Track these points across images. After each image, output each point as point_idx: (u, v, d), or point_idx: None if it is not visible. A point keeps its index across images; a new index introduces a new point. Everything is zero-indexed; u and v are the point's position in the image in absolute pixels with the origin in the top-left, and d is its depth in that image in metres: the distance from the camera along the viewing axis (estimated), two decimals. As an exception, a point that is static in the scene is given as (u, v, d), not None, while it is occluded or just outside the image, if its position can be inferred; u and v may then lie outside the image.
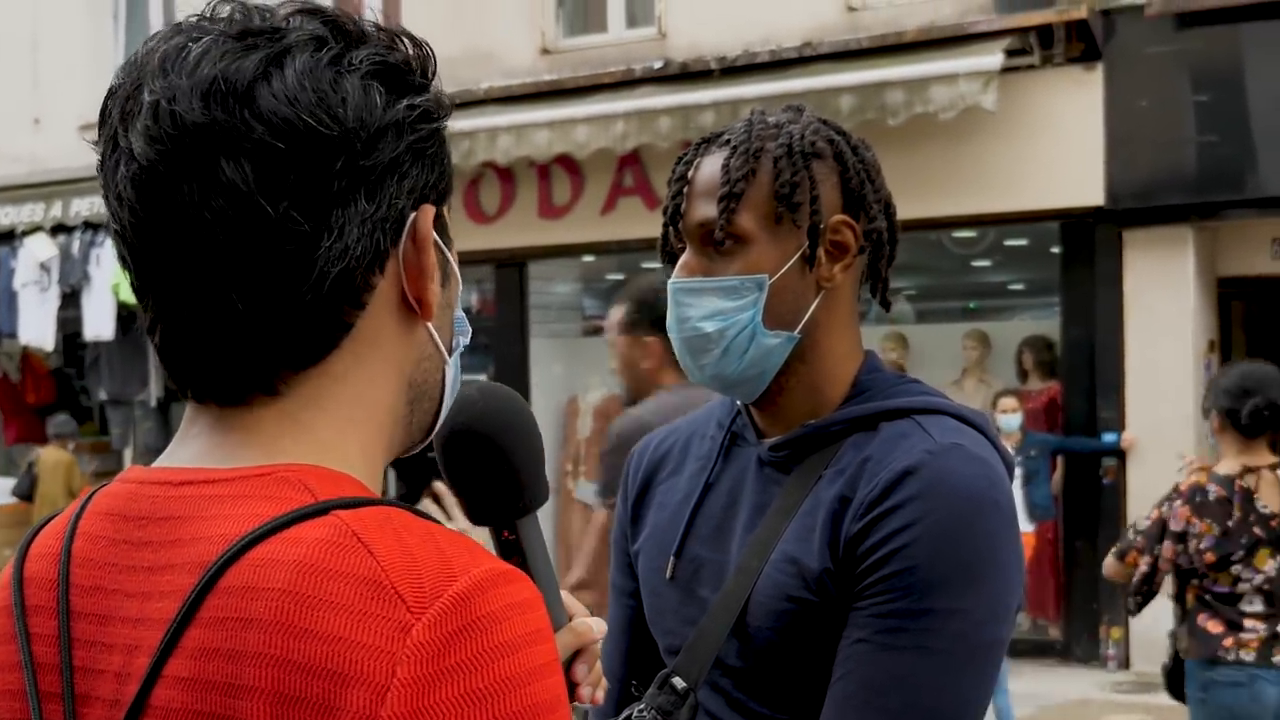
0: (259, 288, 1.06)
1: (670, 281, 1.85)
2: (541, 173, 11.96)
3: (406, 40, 1.15)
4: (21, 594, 1.14)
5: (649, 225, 11.84)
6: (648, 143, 10.80)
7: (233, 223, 1.04)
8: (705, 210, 1.81)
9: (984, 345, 10.95)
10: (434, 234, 1.15)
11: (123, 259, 1.11)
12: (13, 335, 14.58)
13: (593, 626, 1.51)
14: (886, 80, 9.82)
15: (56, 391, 16.20)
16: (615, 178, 11.62)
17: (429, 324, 1.16)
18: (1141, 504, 9.74)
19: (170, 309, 1.09)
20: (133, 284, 1.12)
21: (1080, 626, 10.05)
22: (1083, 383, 10.19)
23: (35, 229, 14.30)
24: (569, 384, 12.85)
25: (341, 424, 1.11)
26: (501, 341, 12.63)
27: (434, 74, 1.16)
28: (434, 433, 1.23)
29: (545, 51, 12.05)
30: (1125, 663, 9.99)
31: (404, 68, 1.12)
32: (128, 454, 14.87)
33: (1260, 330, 10.90)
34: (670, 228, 1.87)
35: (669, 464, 1.99)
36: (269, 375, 1.09)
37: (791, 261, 1.78)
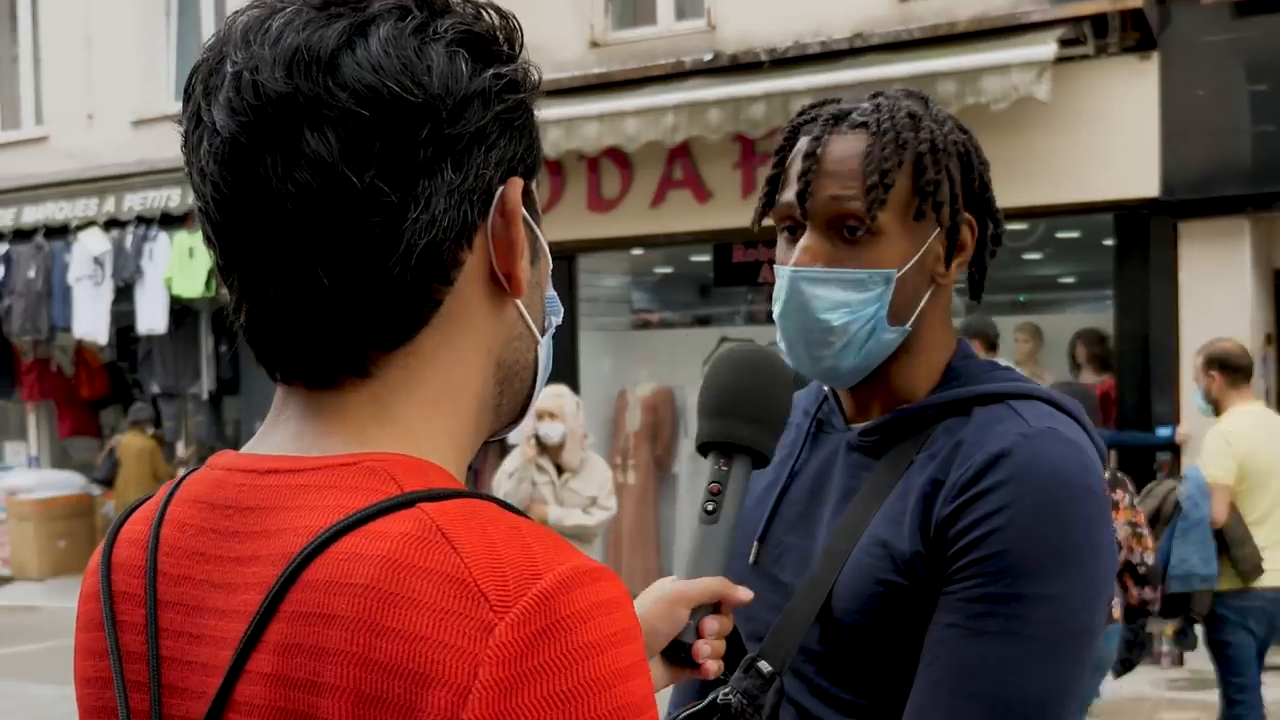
0: (345, 262, 1.04)
1: (790, 267, 1.79)
2: (591, 165, 11.96)
3: (493, 11, 1.13)
4: (109, 580, 1.14)
5: (698, 218, 11.86)
6: (697, 135, 10.77)
7: (317, 195, 1.02)
8: (841, 195, 1.75)
9: (1036, 338, 10.86)
10: (522, 208, 1.12)
11: (207, 238, 1.10)
12: (66, 329, 14.72)
13: (741, 591, 1.62)
14: (938, 71, 9.75)
15: (110, 385, 16.34)
16: (665, 170, 11.60)
17: (518, 302, 1.14)
18: (1197, 499, 9.65)
19: (255, 287, 1.07)
20: (217, 263, 1.10)
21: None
22: (1136, 376, 10.10)
23: (89, 224, 14.43)
24: (618, 377, 12.85)
25: (429, 408, 1.09)
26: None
27: (521, 46, 1.14)
28: (524, 416, 1.21)
29: (594, 44, 12.04)
30: (1180, 660, 9.89)
31: (489, 37, 1.10)
32: (180, 447, 14.98)
33: (1318, 323, 10.76)
34: (798, 202, 1.79)
35: None
36: (358, 355, 1.07)
37: (917, 257, 1.77)
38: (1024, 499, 1.61)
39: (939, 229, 1.78)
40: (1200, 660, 9.65)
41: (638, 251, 12.95)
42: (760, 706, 1.72)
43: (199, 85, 1.07)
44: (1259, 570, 6.61)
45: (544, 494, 7.42)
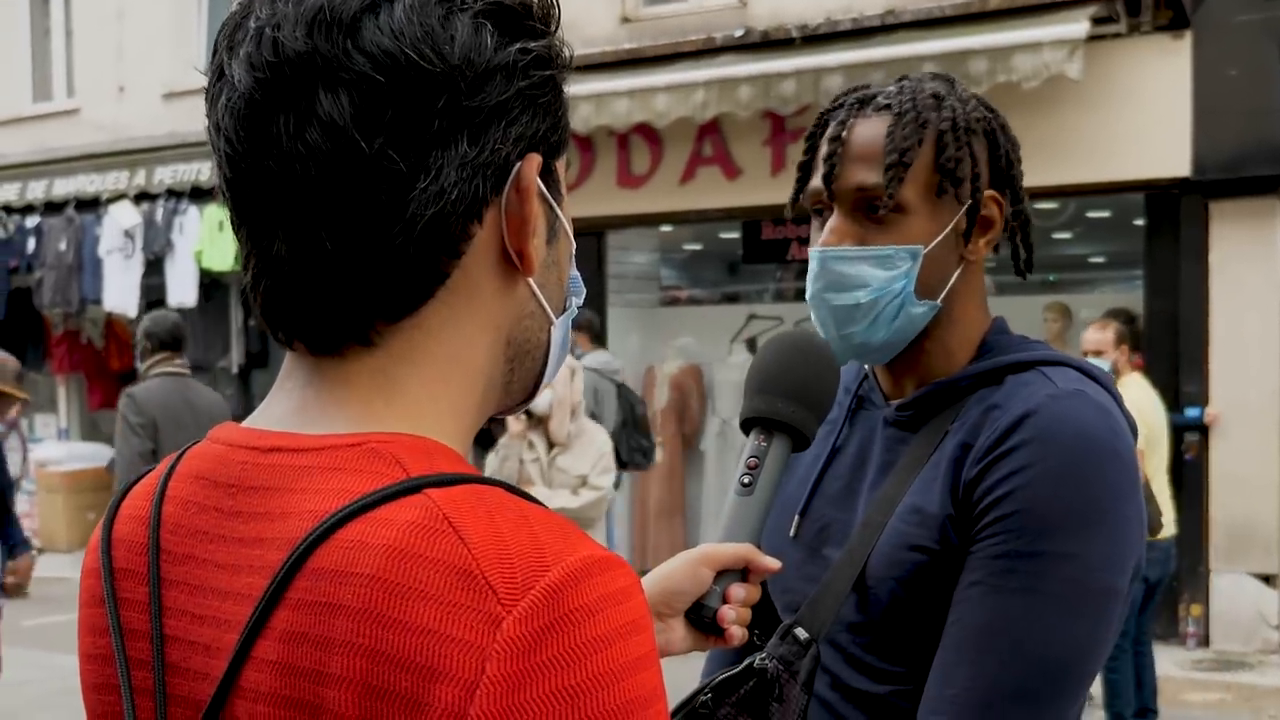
0: (350, 227, 1.03)
1: (818, 248, 1.84)
2: (621, 142, 11.95)
3: None
4: (110, 557, 1.14)
5: (728, 195, 11.84)
6: (728, 112, 10.75)
7: (326, 158, 1.01)
8: (864, 175, 1.80)
9: (1065, 317, 10.82)
10: (542, 187, 1.11)
11: (221, 192, 1.10)
12: (97, 302, 14.79)
13: (768, 560, 1.63)
14: (969, 49, 9.71)
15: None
16: (694, 147, 11.59)
17: (531, 280, 1.12)
18: (1225, 480, 9.65)
19: (262, 244, 1.07)
20: (231, 219, 1.10)
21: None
22: (1167, 357, 10.05)
23: (120, 197, 14.49)
24: (646, 354, 12.86)
25: (434, 383, 1.08)
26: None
27: (556, 22, 1.13)
28: (535, 395, 1.21)
29: (625, 20, 12.02)
30: (1205, 640, 9.89)
31: (520, 10, 1.08)
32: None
33: (1349, 304, 10.69)
34: (824, 185, 1.84)
35: None
36: (363, 323, 1.06)
37: (944, 234, 1.80)
38: (1048, 458, 1.63)
39: (963, 205, 1.80)
40: (1225, 641, 9.65)
41: (667, 228, 12.95)
42: (796, 673, 1.74)
43: (224, 40, 1.07)
44: (1160, 525, 7.26)
45: (530, 473, 6.98)
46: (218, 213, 13.80)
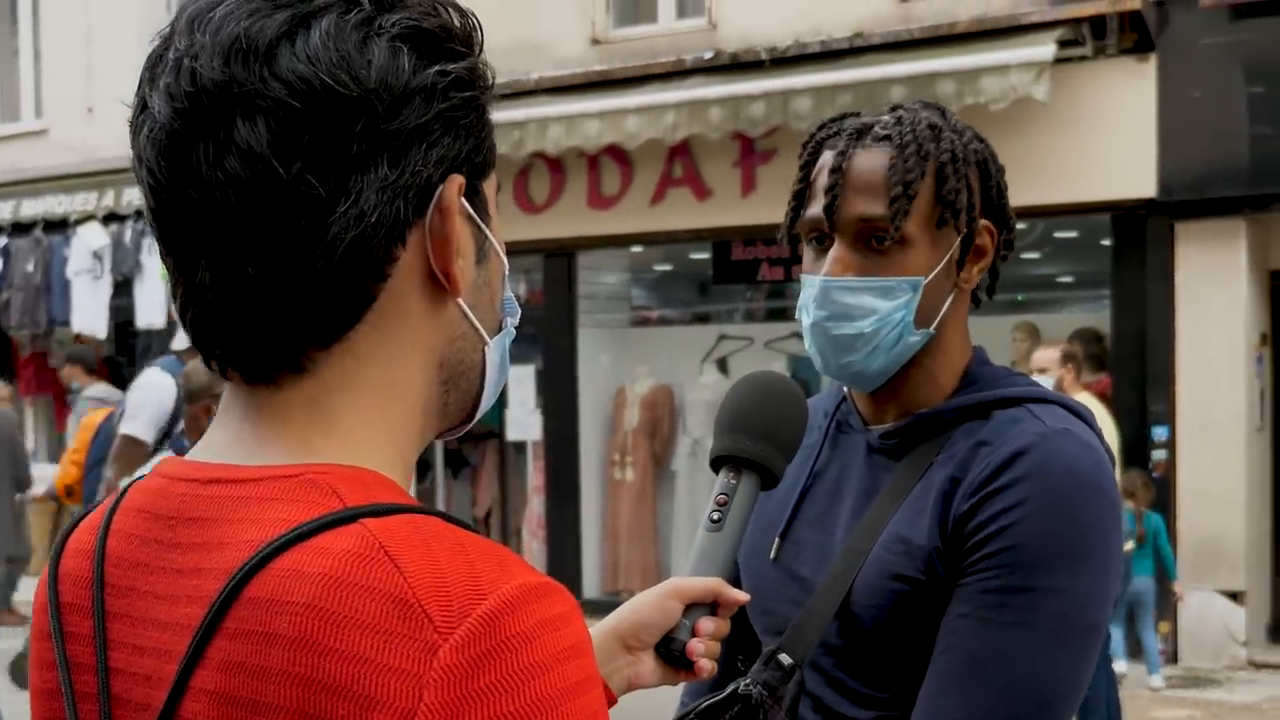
0: (271, 254, 1.03)
1: (821, 277, 1.84)
2: (591, 163, 11.97)
3: (449, 8, 1.11)
4: (56, 592, 1.14)
5: (698, 216, 11.88)
6: (698, 133, 10.80)
7: (245, 185, 1.01)
8: (867, 207, 1.81)
9: (1033, 337, 10.86)
10: (469, 208, 1.11)
11: (149, 223, 1.10)
12: (65, 323, 14.72)
13: (737, 593, 1.64)
14: (937, 71, 9.79)
15: (108, 379, 16.34)
16: (665, 168, 11.62)
17: (460, 301, 1.12)
18: (1192, 498, 9.71)
19: (188, 273, 1.07)
20: (160, 249, 1.10)
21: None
22: (1133, 376, 10.12)
23: (88, 218, 14.44)
24: (616, 374, 12.85)
25: (369, 409, 1.09)
26: (550, 332, 12.65)
27: (479, 44, 1.13)
28: (476, 418, 1.21)
29: (596, 42, 12.05)
30: (1174, 657, 9.94)
31: (440, 34, 1.08)
32: (179, 441, 14.97)
33: (1314, 324, 10.80)
34: (825, 215, 1.84)
35: None
36: (293, 350, 1.06)
37: (943, 264, 1.83)
38: (1040, 495, 1.66)
39: (960, 235, 1.84)
40: (1194, 658, 9.70)
41: (637, 249, 12.96)
42: (780, 698, 1.75)
43: (147, 72, 1.08)
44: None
45: None
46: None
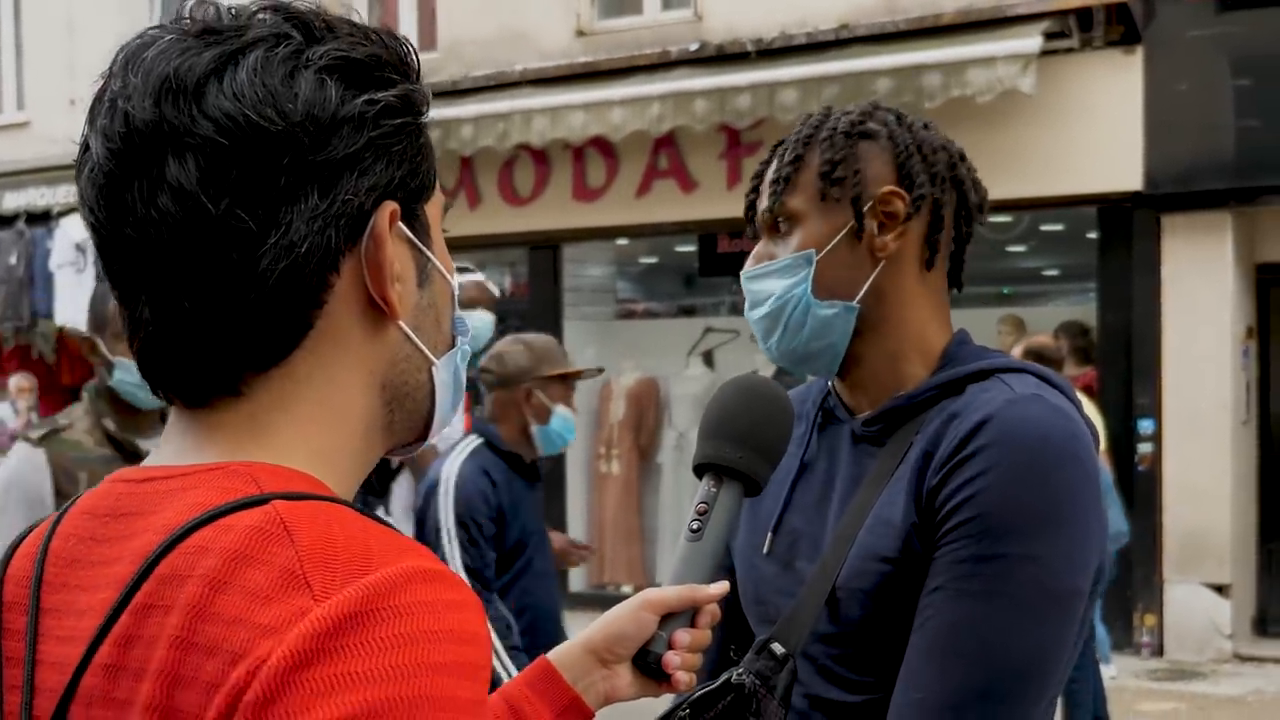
0: (205, 288, 1.06)
1: (742, 272, 1.93)
2: (576, 155, 11.94)
3: (382, 36, 1.14)
4: (1, 592, 1.17)
5: (683, 208, 11.86)
6: (683, 125, 10.78)
7: (177, 222, 1.04)
8: (766, 200, 1.91)
9: (1019, 330, 10.86)
10: (407, 232, 1.14)
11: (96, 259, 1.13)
12: (49, 316, 14.66)
13: (710, 588, 1.61)
14: (923, 63, 9.77)
15: (92, 372, 16.28)
16: (650, 160, 11.60)
17: (401, 324, 1.15)
18: (1178, 491, 9.71)
19: (131, 308, 1.10)
20: (109, 284, 1.14)
21: (1114, 613, 10.00)
22: (1119, 369, 10.13)
23: (71, 210, 14.36)
24: (602, 367, 12.81)
25: (305, 425, 1.11)
26: (535, 324, 12.58)
27: (414, 70, 1.16)
28: (432, 436, 1.23)
29: (581, 33, 12.01)
30: (1159, 650, 9.95)
31: (370, 62, 1.11)
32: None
33: (1299, 317, 10.80)
34: (746, 216, 1.97)
35: None
36: (231, 376, 1.10)
37: (841, 235, 1.84)
38: (1006, 461, 1.64)
39: (866, 206, 1.84)
40: (1179, 651, 9.71)
41: (623, 241, 12.94)
42: (773, 688, 1.74)
43: (90, 113, 1.11)
44: None
45: None
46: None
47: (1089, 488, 1.67)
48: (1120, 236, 10.15)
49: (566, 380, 4.70)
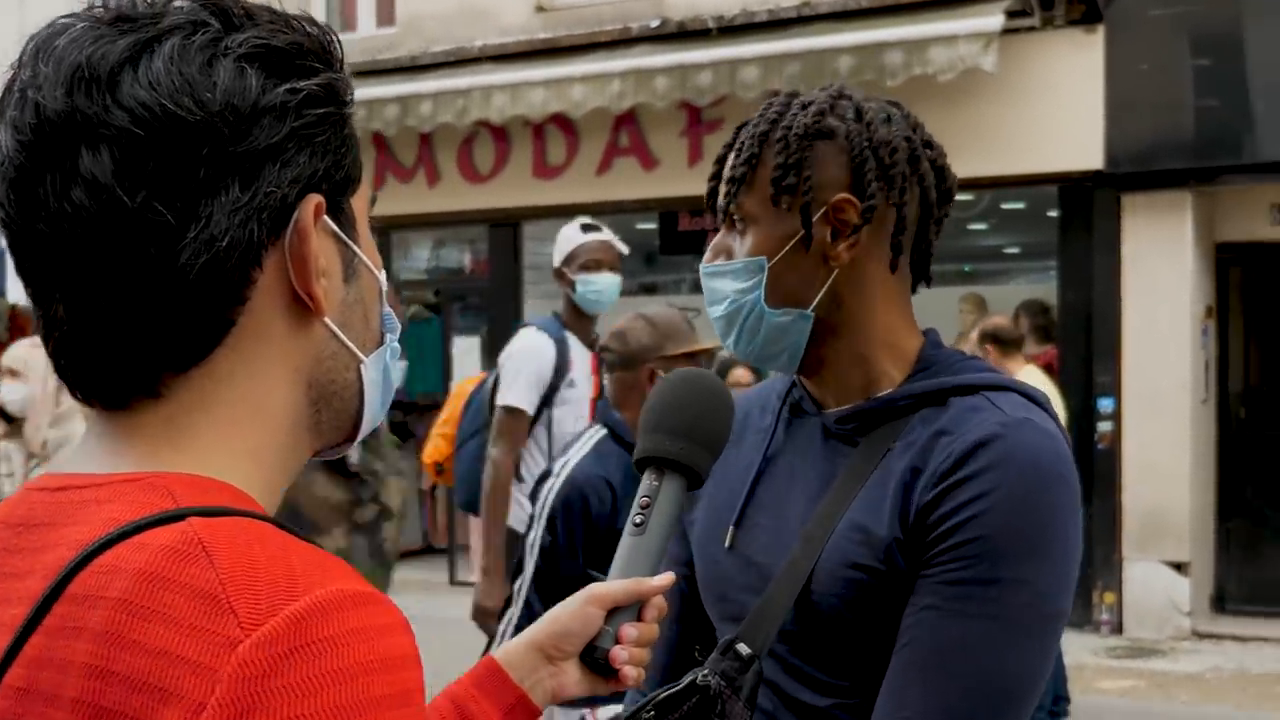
0: (122, 284, 1.02)
1: (701, 265, 1.91)
2: (536, 132, 11.89)
3: (304, 23, 1.10)
4: None
5: (644, 186, 11.82)
6: (644, 103, 10.74)
7: (92, 216, 1.00)
8: (722, 197, 1.87)
9: (980, 309, 10.88)
10: (332, 226, 1.11)
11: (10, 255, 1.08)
12: (1, 294, 14.51)
13: (654, 581, 1.59)
14: (885, 41, 9.76)
15: (47, 350, 16.15)
16: (611, 138, 11.56)
17: (328, 321, 1.11)
18: (1137, 470, 9.76)
19: (45, 305, 1.06)
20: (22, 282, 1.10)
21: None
22: (1079, 347, 10.16)
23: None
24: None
25: (226, 428, 1.08)
26: (494, 302, 12.58)
27: (338, 59, 1.12)
28: (359, 435, 1.19)
29: (540, 9, 11.95)
30: (1118, 628, 10.00)
31: (292, 50, 1.07)
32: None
33: (1258, 296, 10.86)
34: (708, 207, 1.93)
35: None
36: (149, 377, 1.05)
37: (793, 242, 1.81)
38: (1004, 486, 1.64)
39: (820, 213, 1.80)
40: (1138, 629, 9.76)
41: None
42: (739, 688, 1.72)
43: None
44: None
45: (5, 491, 5.47)
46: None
47: (1074, 509, 1.69)
48: (1081, 215, 10.18)
49: (694, 359, 4.27)
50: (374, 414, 1.19)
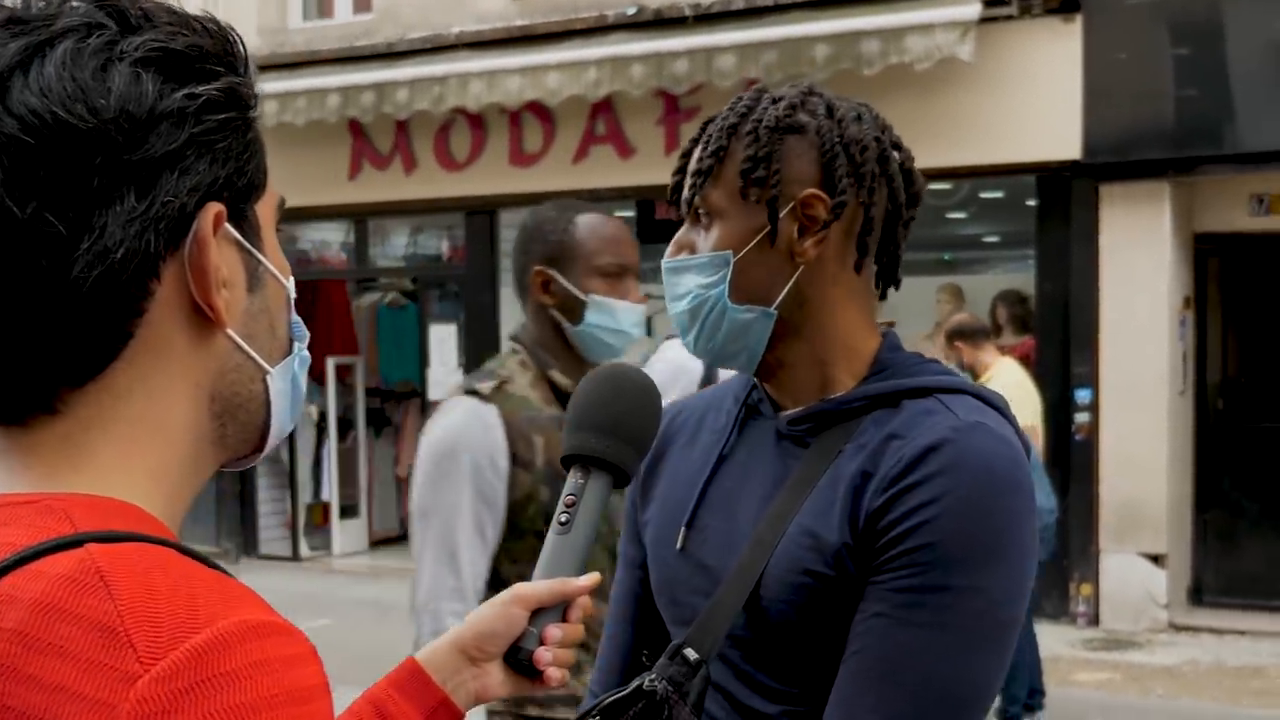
0: (14, 296, 0.98)
1: (663, 260, 1.86)
2: (513, 119, 11.84)
3: (206, 25, 1.07)
4: None
5: (621, 174, 11.78)
6: (620, 90, 10.69)
7: None
8: (688, 190, 1.83)
9: (958, 299, 10.89)
10: (235, 234, 1.08)
11: None
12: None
13: (579, 581, 1.59)
14: (862, 30, 9.72)
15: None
16: (587, 125, 11.51)
17: (230, 332, 1.08)
18: (1115, 461, 9.74)
19: None
20: None
21: (1050, 583, 10.03)
22: (1057, 338, 10.14)
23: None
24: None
25: (126, 446, 1.04)
26: (471, 289, 12.55)
27: (242, 63, 1.09)
28: (268, 447, 1.17)
29: (517, -4, 11.89)
30: (1095, 620, 9.99)
31: (191, 53, 1.04)
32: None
33: (1236, 287, 10.84)
34: (671, 200, 1.88)
35: (683, 436, 1.99)
36: (45, 392, 1.02)
37: (759, 238, 1.78)
38: (955, 491, 1.61)
39: (785, 210, 1.77)
40: (1115, 621, 9.75)
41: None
42: (686, 694, 1.70)
43: None
44: None
45: None
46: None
47: (1028, 514, 1.67)
48: (1059, 205, 10.15)
49: None
50: (282, 424, 1.16)
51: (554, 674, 1.55)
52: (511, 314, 12.45)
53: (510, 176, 11.96)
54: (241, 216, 1.09)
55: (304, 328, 1.18)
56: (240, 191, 1.08)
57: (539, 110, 11.57)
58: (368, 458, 14.16)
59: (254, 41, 12.85)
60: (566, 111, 11.40)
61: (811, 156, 1.78)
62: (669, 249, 1.86)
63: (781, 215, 1.77)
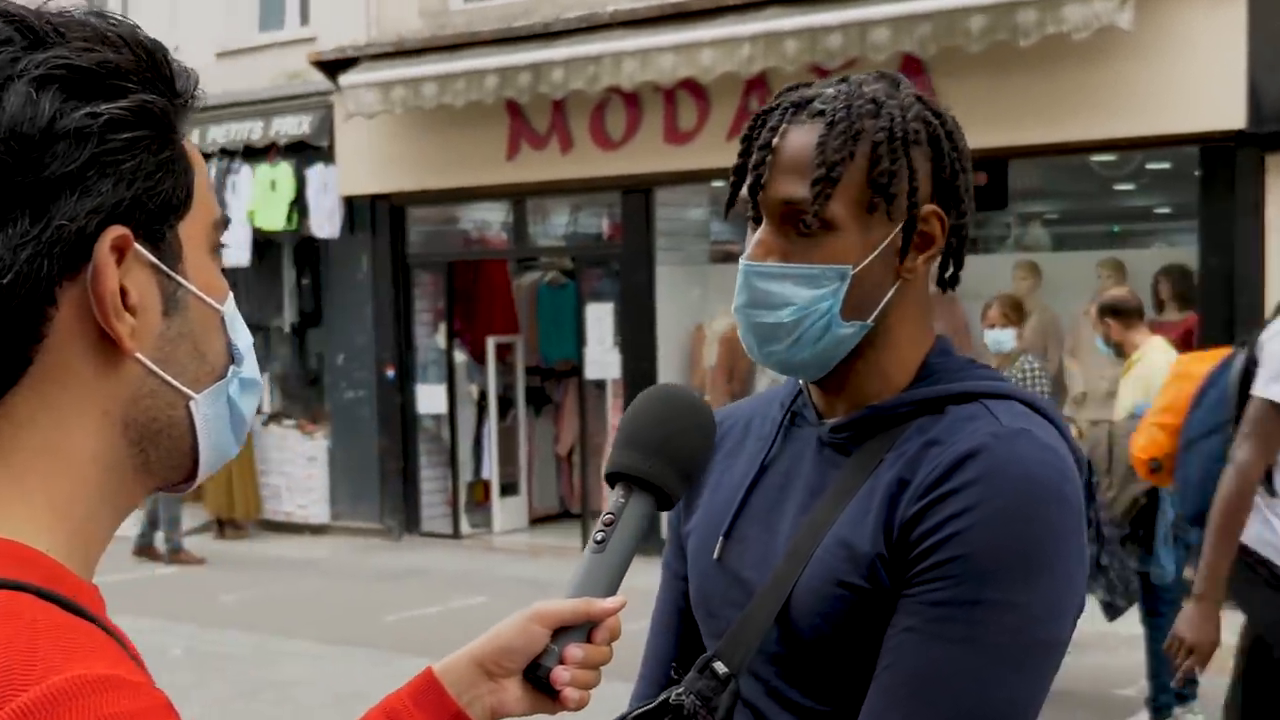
0: None
1: (744, 261, 1.74)
2: (667, 97, 11.88)
3: (126, 40, 1.03)
4: None
5: (775, 150, 11.68)
6: (774, 66, 10.68)
7: None
8: (792, 188, 1.69)
9: (1119, 274, 10.71)
10: (149, 257, 1.03)
11: None
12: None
13: (606, 602, 1.53)
14: (1018, 0, 9.60)
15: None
16: (741, 102, 11.49)
17: (141, 357, 1.04)
18: None
19: None
20: None
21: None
22: (1221, 314, 9.90)
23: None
24: (695, 311, 12.81)
25: (26, 478, 1.01)
26: (628, 268, 12.62)
27: (163, 79, 1.05)
28: (208, 470, 1.12)
29: (672, -26, 11.94)
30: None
31: (99, 71, 1.00)
32: (264, 379, 15.10)
33: None
34: (750, 195, 1.75)
35: (728, 443, 1.92)
36: None
37: (877, 252, 1.69)
38: (991, 501, 1.56)
39: (901, 221, 1.70)
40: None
41: (716, 184, 12.88)
42: (714, 709, 1.66)
43: None
44: None
45: None
46: (270, 172, 13.90)
47: (1074, 529, 1.59)
48: (1223, 177, 9.92)
49: None
50: (217, 451, 1.12)
51: (571, 694, 1.50)
52: (668, 291, 12.53)
53: (665, 155, 12.00)
54: (159, 238, 1.04)
55: (248, 349, 1.14)
56: (154, 213, 1.03)
57: (693, 88, 11.60)
58: (528, 436, 14.30)
59: (415, 24, 13.08)
60: (721, 88, 11.40)
61: (927, 170, 1.71)
62: (752, 249, 1.74)
63: (895, 231, 1.70)
